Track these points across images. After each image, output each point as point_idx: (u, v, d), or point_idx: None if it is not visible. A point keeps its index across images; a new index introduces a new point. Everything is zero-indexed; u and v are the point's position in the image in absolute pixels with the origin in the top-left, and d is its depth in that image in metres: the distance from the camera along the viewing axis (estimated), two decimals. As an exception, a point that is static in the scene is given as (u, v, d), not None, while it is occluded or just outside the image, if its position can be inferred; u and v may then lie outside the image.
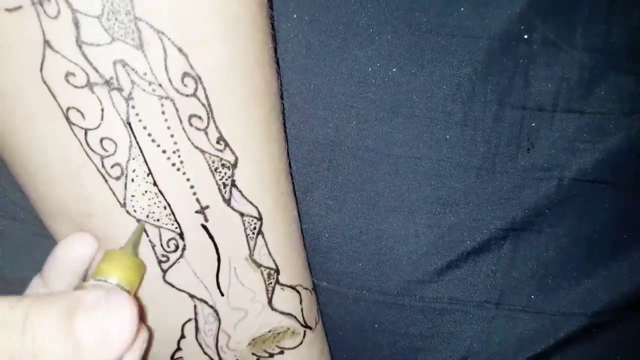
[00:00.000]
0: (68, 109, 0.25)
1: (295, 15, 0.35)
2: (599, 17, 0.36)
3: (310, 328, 0.34)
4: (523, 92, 0.36)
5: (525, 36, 0.35)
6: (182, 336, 0.31)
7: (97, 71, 0.24)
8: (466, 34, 0.35)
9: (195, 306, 0.30)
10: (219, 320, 0.31)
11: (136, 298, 0.28)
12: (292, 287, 0.33)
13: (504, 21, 0.35)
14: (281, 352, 0.34)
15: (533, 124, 0.37)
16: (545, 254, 0.40)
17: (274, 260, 0.31)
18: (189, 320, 0.30)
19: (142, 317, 0.27)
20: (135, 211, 0.27)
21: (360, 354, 0.42)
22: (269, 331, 0.32)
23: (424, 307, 0.40)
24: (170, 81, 0.25)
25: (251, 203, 0.29)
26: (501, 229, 0.39)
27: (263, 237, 0.31)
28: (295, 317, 0.33)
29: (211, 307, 0.30)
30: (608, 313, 0.40)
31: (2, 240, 0.38)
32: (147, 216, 0.27)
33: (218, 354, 0.32)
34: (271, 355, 0.33)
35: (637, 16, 0.36)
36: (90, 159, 0.26)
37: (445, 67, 0.36)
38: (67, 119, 0.25)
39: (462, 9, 0.34)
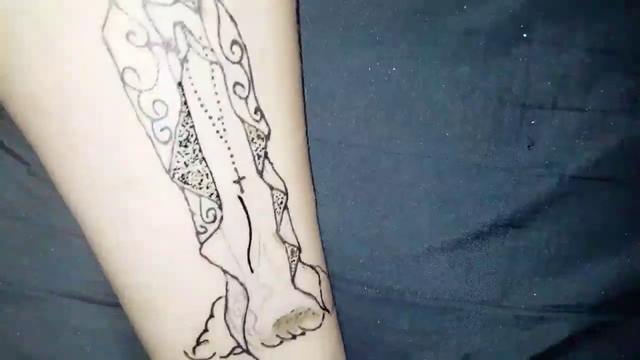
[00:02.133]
0: (125, 69, 0.25)
1: None
2: (599, 16, 0.37)
3: (328, 311, 0.35)
4: (523, 89, 0.38)
5: (525, 35, 0.37)
6: (211, 315, 0.30)
7: (157, 31, 0.25)
8: (465, 32, 0.36)
9: (227, 283, 0.30)
10: (248, 299, 0.31)
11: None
12: (312, 267, 0.34)
13: (503, 20, 0.36)
14: (303, 334, 0.34)
15: (533, 122, 0.38)
16: (546, 251, 0.41)
17: (296, 238, 0.33)
18: (219, 298, 0.30)
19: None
20: (178, 178, 0.27)
21: (361, 351, 0.42)
22: (292, 311, 0.33)
23: (425, 305, 0.41)
24: (221, 47, 0.27)
25: (279, 177, 0.31)
26: (502, 225, 0.40)
27: (288, 213, 0.32)
28: (315, 298, 0.34)
29: (241, 284, 0.31)
30: (610, 311, 0.42)
31: (3, 240, 0.36)
32: (190, 184, 0.28)
33: (244, 337, 0.32)
34: (294, 337, 0.33)
35: (637, 15, 0.37)
36: (140, 121, 0.26)
37: (445, 64, 0.37)
38: (122, 79, 0.25)
39: (464, 6, 0.36)
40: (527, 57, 0.37)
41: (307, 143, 0.34)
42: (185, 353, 0.31)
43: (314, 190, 0.36)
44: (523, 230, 0.40)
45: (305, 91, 0.37)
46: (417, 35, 0.37)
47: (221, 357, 0.32)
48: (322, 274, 0.35)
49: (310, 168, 0.35)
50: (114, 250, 0.29)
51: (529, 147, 0.39)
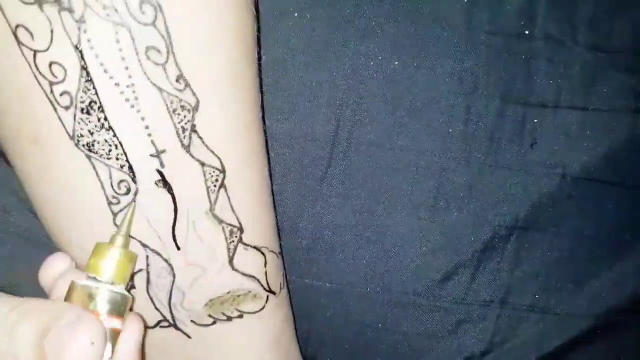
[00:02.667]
0: (17, 26, 0.24)
1: (296, 14, 0.35)
2: (601, 15, 0.36)
3: (274, 293, 0.33)
4: (525, 87, 0.37)
5: (526, 32, 0.36)
6: (132, 286, 0.30)
7: None
8: (468, 28, 0.35)
9: (147, 257, 0.29)
10: (173, 275, 0.30)
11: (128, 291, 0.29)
12: (257, 248, 0.31)
13: (503, 16, 0.35)
14: (240, 316, 0.32)
15: (535, 120, 0.38)
16: (549, 253, 0.40)
17: (237, 218, 0.30)
18: (140, 270, 0.29)
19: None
20: (84, 146, 0.26)
21: (364, 353, 0.41)
22: (228, 292, 0.31)
23: (428, 306, 0.40)
24: (126, 6, 0.24)
25: (213, 153, 0.28)
26: (505, 226, 0.39)
27: (226, 191, 0.29)
28: (258, 280, 0.32)
29: (165, 260, 0.29)
30: (612, 314, 0.41)
31: None
32: (97, 153, 0.26)
33: (171, 312, 0.31)
34: (229, 318, 0.32)
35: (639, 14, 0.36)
36: (39, 83, 0.25)
37: (447, 60, 0.37)
38: (16, 37, 0.24)
39: (464, 1, 0.35)
40: (529, 54, 0.37)
41: (263, 117, 0.31)
42: None
43: (269, 167, 0.33)
44: (526, 231, 0.40)
45: (307, 89, 0.37)
46: (419, 29, 0.36)
47: (147, 327, 0.31)
48: (269, 255, 0.32)
49: (267, 144, 0.33)
50: (35, 201, 0.29)
51: (531, 145, 0.38)
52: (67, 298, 0.27)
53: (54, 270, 0.30)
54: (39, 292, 0.37)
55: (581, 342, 0.41)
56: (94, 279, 0.27)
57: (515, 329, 0.40)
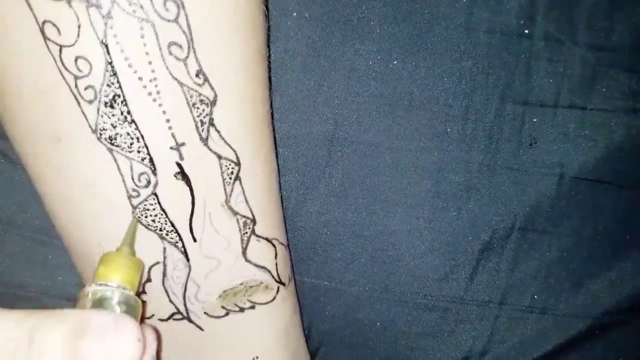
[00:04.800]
0: (44, 22, 0.25)
1: (295, 14, 0.36)
2: (601, 14, 0.37)
3: (283, 284, 0.34)
4: (524, 87, 0.38)
5: (526, 31, 0.36)
6: (148, 279, 0.30)
7: None
8: (467, 27, 0.36)
9: (164, 249, 0.30)
10: (189, 267, 0.31)
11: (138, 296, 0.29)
12: (268, 240, 0.33)
13: (503, 15, 0.36)
14: (252, 307, 0.33)
15: (534, 120, 0.38)
16: (548, 253, 0.41)
17: (250, 210, 0.31)
18: (157, 263, 0.30)
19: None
20: (106, 139, 0.27)
21: (362, 352, 0.42)
22: (241, 284, 0.32)
23: (426, 306, 0.41)
24: (151, 3, 0.25)
25: (229, 146, 0.29)
26: (504, 227, 0.40)
27: (240, 183, 0.30)
28: (269, 272, 0.33)
29: (182, 252, 0.30)
30: (611, 314, 0.41)
31: (1, 245, 0.39)
32: (119, 146, 0.27)
33: (185, 305, 0.32)
34: (242, 309, 0.33)
35: (639, 14, 0.37)
36: (63, 77, 0.26)
37: (446, 59, 0.37)
38: (43, 32, 0.25)
39: (463, 0, 0.35)
40: (529, 54, 0.37)
41: (271, 110, 0.33)
42: None
43: (277, 160, 0.34)
44: (525, 231, 0.40)
45: (306, 88, 0.37)
46: (418, 28, 0.36)
47: (160, 319, 0.32)
48: (279, 247, 0.34)
49: (275, 138, 0.34)
50: (51, 201, 0.30)
51: (530, 145, 0.38)
52: (79, 306, 0.27)
53: None
54: (43, 297, 0.39)
55: (580, 343, 0.41)
56: (104, 285, 0.27)
57: (514, 329, 0.41)
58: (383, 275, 0.40)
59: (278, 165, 0.38)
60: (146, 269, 0.30)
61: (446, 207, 0.39)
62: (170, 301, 0.31)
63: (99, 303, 0.27)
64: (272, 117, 0.34)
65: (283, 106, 0.38)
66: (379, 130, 0.38)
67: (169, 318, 0.32)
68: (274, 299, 0.34)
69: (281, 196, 0.36)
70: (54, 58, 0.25)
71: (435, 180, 0.39)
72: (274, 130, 0.34)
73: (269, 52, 0.34)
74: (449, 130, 0.38)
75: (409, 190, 0.39)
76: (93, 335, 0.24)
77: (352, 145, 0.38)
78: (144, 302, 0.30)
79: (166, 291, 0.31)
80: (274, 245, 0.33)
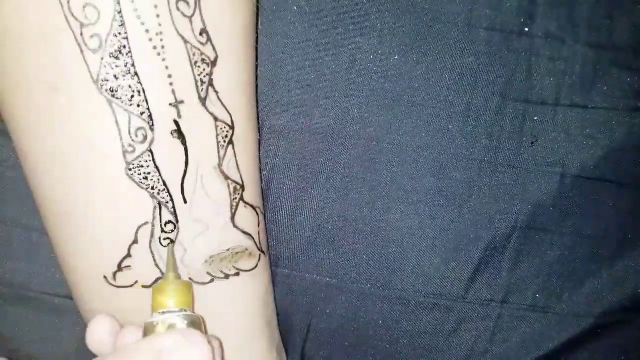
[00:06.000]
0: None
1: (295, 8, 0.37)
2: (602, 12, 0.37)
3: (264, 253, 0.35)
4: (525, 85, 0.38)
5: (526, 29, 0.37)
6: (135, 241, 0.30)
7: None
8: (468, 24, 0.37)
9: (155, 208, 0.30)
10: (178, 229, 0.31)
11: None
12: (253, 207, 0.33)
13: (503, 13, 0.36)
14: (237, 274, 0.33)
15: (535, 118, 0.39)
16: (550, 252, 0.41)
17: (241, 176, 0.32)
18: (145, 223, 0.30)
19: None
20: (107, 90, 0.27)
21: (363, 350, 0.42)
22: (228, 250, 0.33)
23: (429, 304, 0.41)
24: None
25: (225, 108, 0.30)
26: (506, 225, 0.40)
27: (233, 148, 0.31)
28: (253, 239, 0.34)
29: (172, 213, 0.30)
30: (613, 313, 0.42)
31: (3, 246, 0.39)
32: (120, 98, 0.27)
33: (170, 269, 0.32)
34: (227, 276, 0.33)
35: None
36: (69, 24, 0.26)
37: (447, 55, 0.37)
38: None
39: None
40: (529, 51, 0.38)
41: (256, 81, 0.34)
42: (105, 278, 0.31)
43: (260, 138, 0.35)
44: (527, 230, 0.41)
45: (306, 83, 0.38)
46: (420, 23, 0.37)
47: (143, 286, 0.31)
48: (261, 216, 0.34)
49: (257, 106, 0.35)
50: (39, 156, 0.29)
51: (532, 143, 0.39)
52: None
53: (100, 334, 0.30)
54: (45, 296, 0.39)
55: (582, 342, 0.42)
56: (167, 312, 0.29)
57: (516, 328, 0.41)
58: (384, 273, 0.40)
59: (279, 159, 0.39)
60: (134, 229, 0.30)
61: (448, 205, 0.40)
62: (156, 265, 0.31)
63: (168, 329, 0.29)
64: (257, 91, 0.35)
65: (283, 100, 0.38)
66: (380, 126, 0.38)
67: (152, 284, 0.31)
68: (256, 266, 0.34)
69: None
70: (61, 3, 0.25)
71: (437, 177, 0.39)
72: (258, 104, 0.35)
73: (268, 44, 0.36)
74: (450, 127, 0.38)
75: (410, 186, 0.39)
76: (170, 355, 0.26)
77: (353, 140, 0.38)
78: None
79: (152, 254, 0.31)
80: (257, 214, 0.34)
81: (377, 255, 0.40)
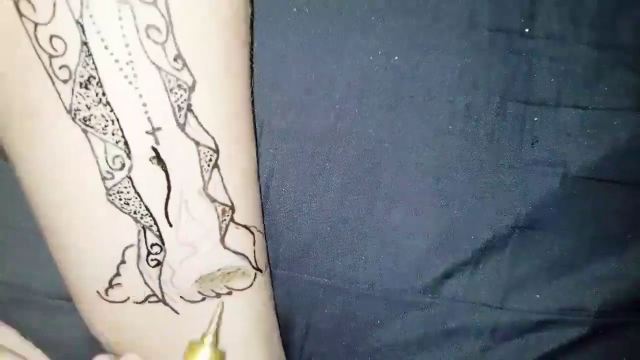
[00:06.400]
0: None
1: (295, 9, 0.36)
2: (605, 13, 0.36)
3: (260, 271, 0.34)
4: (526, 85, 0.37)
5: (527, 29, 0.36)
6: (122, 261, 0.31)
7: None
8: (469, 24, 0.36)
9: (139, 232, 0.30)
10: (165, 252, 0.31)
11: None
12: (246, 227, 0.33)
13: (504, 12, 0.36)
14: (229, 293, 0.33)
15: (536, 118, 0.38)
16: (550, 252, 0.40)
17: (229, 197, 0.31)
18: (131, 245, 0.30)
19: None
20: (80, 120, 0.27)
21: (361, 351, 0.42)
22: (219, 270, 0.32)
23: (427, 304, 0.40)
24: None
25: (207, 133, 0.29)
26: (506, 225, 0.39)
27: (219, 171, 0.30)
28: (247, 258, 0.33)
29: (157, 236, 0.30)
30: (614, 314, 0.41)
31: (4, 248, 0.40)
32: (94, 127, 0.27)
33: (160, 288, 0.32)
34: (218, 295, 0.33)
35: None
36: (38, 56, 0.26)
37: (447, 56, 0.37)
38: (18, 9, 0.25)
39: None
40: (531, 52, 0.37)
41: (252, 97, 0.33)
42: (99, 293, 0.32)
43: (257, 147, 0.34)
44: (527, 230, 0.40)
45: (306, 83, 0.37)
46: (420, 23, 0.36)
47: (135, 302, 0.32)
48: (257, 234, 0.34)
49: (255, 125, 0.34)
50: (26, 179, 0.30)
51: (532, 144, 0.38)
52: None
53: None
54: (47, 300, 0.41)
55: (583, 343, 0.41)
56: None
57: (516, 328, 0.41)
58: (383, 273, 0.40)
59: (278, 161, 0.38)
60: (120, 250, 0.30)
61: (447, 206, 0.39)
62: (146, 283, 0.32)
63: None
64: (253, 105, 0.33)
65: (283, 101, 0.37)
66: (380, 126, 0.38)
67: (144, 300, 0.32)
68: (251, 285, 0.34)
69: (259, 184, 0.36)
70: (28, 35, 0.25)
71: (437, 177, 0.38)
72: (254, 118, 0.34)
73: (268, 45, 0.35)
74: (450, 127, 0.37)
75: (410, 187, 0.39)
76: None
77: (353, 141, 0.38)
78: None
79: (141, 273, 0.31)
80: (252, 233, 0.33)
81: (376, 256, 0.39)
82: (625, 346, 0.42)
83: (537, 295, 0.40)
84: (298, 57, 0.36)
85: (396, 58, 0.36)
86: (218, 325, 0.31)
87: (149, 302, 0.32)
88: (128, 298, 0.32)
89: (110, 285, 0.31)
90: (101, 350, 0.37)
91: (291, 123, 0.37)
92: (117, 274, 0.31)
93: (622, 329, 0.41)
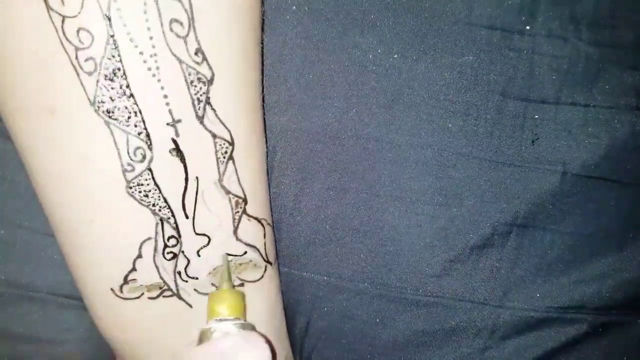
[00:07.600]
0: None
1: (294, 7, 0.36)
2: (605, 11, 0.37)
3: (270, 263, 0.35)
4: (526, 83, 0.38)
5: (527, 27, 0.36)
6: (139, 255, 0.31)
7: None
8: (468, 22, 0.36)
9: (157, 224, 0.30)
10: (181, 243, 0.31)
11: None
12: (258, 220, 0.33)
13: (504, 11, 0.36)
14: (241, 284, 0.34)
15: (536, 116, 0.38)
16: (549, 251, 0.41)
17: (242, 189, 0.32)
18: (148, 239, 0.31)
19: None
20: (104, 112, 0.27)
21: (360, 349, 0.42)
22: (231, 261, 0.33)
23: (426, 303, 0.41)
24: None
25: (224, 125, 0.30)
26: (505, 223, 0.40)
27: (234, 163, 0.31)
28: (258, 250, 0.34)
29: (174, 228, 0.31)
30: (614, 313, 0.41)
31: (8, 247, 0.40)
32: (117, 119, 0.28)
33: (175, 281, 0.32)
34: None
35: None
36: (64, 48, 0.26)
37: (447, 54, 0.37)
38: (46, 2, 0.25)
39: None
40: (531, 50, 0.37)
41: (262, 92, 0.34)
42: (112, 290, 0.32)
43: (266, 142, 0.35)
44: (526, 228, 0.40)
45: (305, 82, 0.37)
46: (419, 21, 0.36)
47: (149, 298, 0.32)
48: (267, 227, 0.35)
49: (264, 121, 0.35)
50: (43, 176, 0.30)
51: (532, 142, 0.38)
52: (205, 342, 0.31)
53: None
54: (50, 297, 0.40)
55: (582, 341, 0.41)
56: (220, 320, 0.31)
57: (515, 327, 0.41)
58: (382, 271, 0.40)
59: (277, 159, 0.39)
60: (137, 244, 0.31)
61: (446, 204, 0.39)
62: (161, 277, 0.32)
63: (224, 335, 0.30)
64: (263, 101, 0.34)
65: (282, 100, 0.38)
66: (379, 125, 0.38)
67: (159, 295, 0.32)
68: (262, 277, 0.35)
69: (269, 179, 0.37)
70: (55, 28, 0.26)
71: (436, 175, 0.39)
72: (264, 113, 0.35)
73: (267, 44, 0.35)
74: (449, 125, 0.38)
75: (410, 185, 0.39)
76: (232, 356, 0.28)
77: (351, 139, 0.38)
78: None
79: (157, 267, 0.31)
80: (263, 225, 0.34)
81: (375, 254, 0.40)
82: (625, 344, 0.42)
83: (537, 294, 0.41)
84: (297, 55, 0.37)
85: (395, 56, 0.37)
86: (229, 273, 0.32)
87: (163, 296, 0.33)
88: (142, 294, 0.32)
89: (126, 282, 0.32)
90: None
91: (290, 121, 0.38)
92: (133, 269, 0.31)
93: (621, 327, 0.42)
